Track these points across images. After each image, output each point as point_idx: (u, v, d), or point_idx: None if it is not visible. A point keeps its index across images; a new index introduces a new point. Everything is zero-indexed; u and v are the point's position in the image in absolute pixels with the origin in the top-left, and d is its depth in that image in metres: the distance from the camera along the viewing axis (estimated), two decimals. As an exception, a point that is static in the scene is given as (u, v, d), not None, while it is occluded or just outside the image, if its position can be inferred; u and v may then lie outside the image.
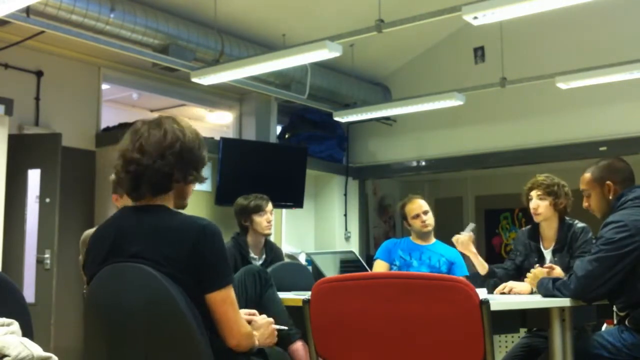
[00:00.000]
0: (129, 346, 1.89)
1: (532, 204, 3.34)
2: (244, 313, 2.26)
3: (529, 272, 3.26)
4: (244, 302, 2.60)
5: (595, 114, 6.20)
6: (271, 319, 2.24)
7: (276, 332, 2.23)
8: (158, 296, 1.82)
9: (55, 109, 5.60)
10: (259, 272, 2.77)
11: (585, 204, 2.93)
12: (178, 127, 1.99)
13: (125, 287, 1.87)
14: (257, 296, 2.68)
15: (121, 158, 1.96)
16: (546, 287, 2.69)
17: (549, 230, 3.36)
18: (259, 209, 4.20)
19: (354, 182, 7.70)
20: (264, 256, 4.26)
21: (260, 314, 2.27)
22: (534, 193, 3.34)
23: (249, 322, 2.22)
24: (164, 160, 1.93)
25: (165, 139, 1.95)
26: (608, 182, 2.83)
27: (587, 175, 2.90)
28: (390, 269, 4.10)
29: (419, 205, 4.16)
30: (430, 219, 4.17)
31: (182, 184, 2.00)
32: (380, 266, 4.17)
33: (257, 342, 2.08)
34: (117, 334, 1.91)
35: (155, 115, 7.51)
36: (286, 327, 2.37)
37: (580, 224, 3.30)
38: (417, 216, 4.15)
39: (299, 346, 2.58)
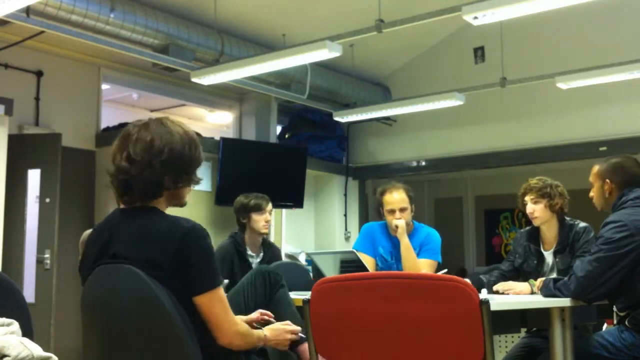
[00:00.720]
0: (122, 346, 1.90)
1: (528, 209, 3.33)
2: (259, 312, 2.27)
3: (528, 274, 3.26)
4: (254, 303, 2.57)
5: (595, 114, 6.20)
6: (293, 328, 2.22)
7: (288, 342, 2.21)
8: (145, 297, 1.83)
9: (55, 109, 5.60)
10: (270, 273, 2.69)
11: (590, 194, 3.00)
12: (166, 129, 1.96)
13: (115, 288, 1.89)
14: (266, 297, 2.64)
15: (112, 164, 1.97)
16: (547, 287, 2.69)
17: (549, 232, 3.34)
18: (258, 208, 4.23)
19: (354, 182, 7.71)
20: (261, 254, 4.29)
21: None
22: (527, 197, 3.34)
23: (266, 322, 2.23)
24: (151, 169, 1.91)
25: (153, 145, 1.92)
26: (607, 180, 2.87)
27: (595, 167, 2.97)
28: (376, 266, 3.91)
29: (395, 200, 3.82)
30: (405, 215, 3.81)
31: (172, 190, 1.99)
32: (366, 262, 3.90)
33: (261, 343, 2.08)
34: (110, 334, 1.92)
35: (155, 115, 7.47)
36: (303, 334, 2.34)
37: (582, 224, 3.29)
38: (392, 212, 3.83)
39: (305, 348, 2.55)
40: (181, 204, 2.06)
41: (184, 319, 1.84)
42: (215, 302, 1.90)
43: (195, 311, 1.89)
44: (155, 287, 1.82)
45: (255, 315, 2.29)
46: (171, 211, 2.02)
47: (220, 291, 1.93)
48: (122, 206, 2.02)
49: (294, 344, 2.29)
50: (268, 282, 2.65)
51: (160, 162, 1.92)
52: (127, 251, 1.88)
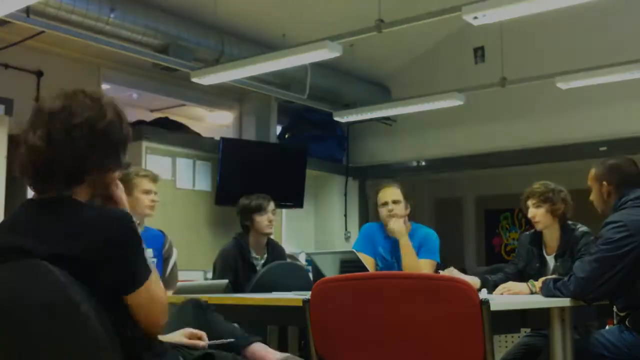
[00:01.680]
0: (25, 358, 1.60)
1: (529, 213, 3.33)
2: (190, 333, 2.06)
3: (530, 277, 3.26)
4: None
5: (595, 114, 6.19)
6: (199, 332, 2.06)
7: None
8: (58, 298, 1.53)
9: (55, 109, 5.60)
10: (196, 304, 2.40)
11: (591, 197, 2.99)
12: (90, 100, 1.66)
13: (18, 287, 1.57)
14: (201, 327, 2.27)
15: (23, 144, 1.68)
16: (547, 287, 2.69)
17: (551, 237, 3.34)
18: (260, 209, 4.21)
19: (354, 182, 7.71)
20: (265, 255, 4.26)
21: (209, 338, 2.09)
22: (530, 202, 3.34)
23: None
24: (74, 148, 1.61)
25: (73, 117, 1.62)
26: (604, 182, 2.86)
27: (592, 170, 2.96)
28: (376, 266, 3.93)
29: (388, 194, 3.90)
30: (398, 208, 3.85)
31: (99, 174, 1.68)
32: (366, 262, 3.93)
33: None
34: (8, 343, 1.60)
35: (155, 115, 7.40)
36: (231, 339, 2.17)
37: (582, 228, 3.28)
38: (385, 204, 3.88)
39: (256, 348, 2.29)
40: (107, 195, 1.74)
41: (103, 325, 1.55)
42: (152, 290, 1.64)
43: (120, 310, 1.61)
44: (70, 285, 1.53)
45: (179, 337, 2.03)
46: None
47: (152, 279, 1.66)
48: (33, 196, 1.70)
49: (239, 347, 2.16)
50: (199, 311, 2.36)
51: (84, 137, 1.62)
52: (36, 246, 1.57)
